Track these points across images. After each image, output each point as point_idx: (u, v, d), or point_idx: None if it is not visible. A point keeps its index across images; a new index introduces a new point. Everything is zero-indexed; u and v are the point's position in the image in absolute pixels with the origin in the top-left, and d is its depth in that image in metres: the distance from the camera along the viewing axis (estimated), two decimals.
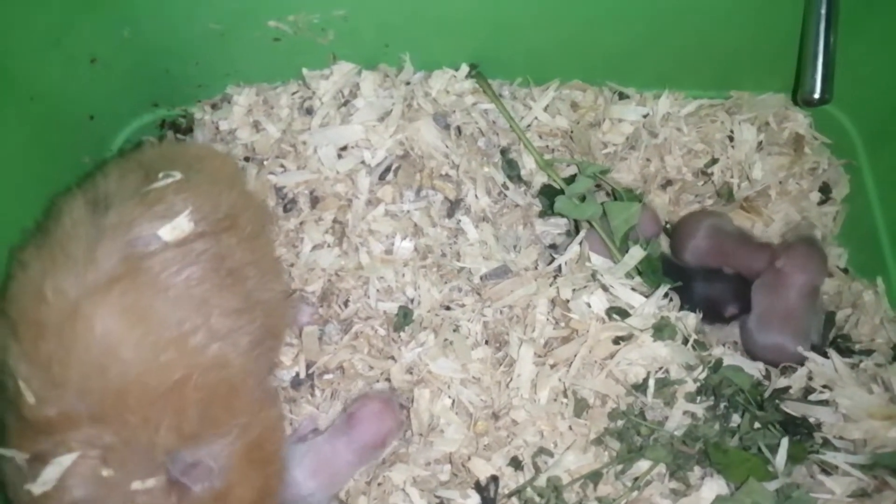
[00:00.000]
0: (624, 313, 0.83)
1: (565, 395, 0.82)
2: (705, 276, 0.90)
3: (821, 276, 0.92)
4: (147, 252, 0.64)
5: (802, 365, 0.86)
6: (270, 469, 0.67)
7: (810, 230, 0.98)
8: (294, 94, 0.94)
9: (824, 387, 0.84)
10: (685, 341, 0.83)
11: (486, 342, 0.86)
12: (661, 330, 0.82)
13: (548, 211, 0.94)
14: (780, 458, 0.76)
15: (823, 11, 0.83)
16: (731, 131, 0.99)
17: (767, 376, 0.87)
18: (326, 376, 0.85)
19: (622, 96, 1.01)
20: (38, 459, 0.58)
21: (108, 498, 0.57)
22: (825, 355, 0.86)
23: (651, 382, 0.79)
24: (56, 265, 0.63)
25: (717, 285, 0.89)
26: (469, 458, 0.79)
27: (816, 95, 0.83)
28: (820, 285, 0.92)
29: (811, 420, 0.82)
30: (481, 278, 0.88)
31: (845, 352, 0.89)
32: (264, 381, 0.74)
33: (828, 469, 0.79)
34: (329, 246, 0.90)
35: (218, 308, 0.66)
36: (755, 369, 0.86)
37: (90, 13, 0.82)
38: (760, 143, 0.99)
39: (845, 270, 0.99)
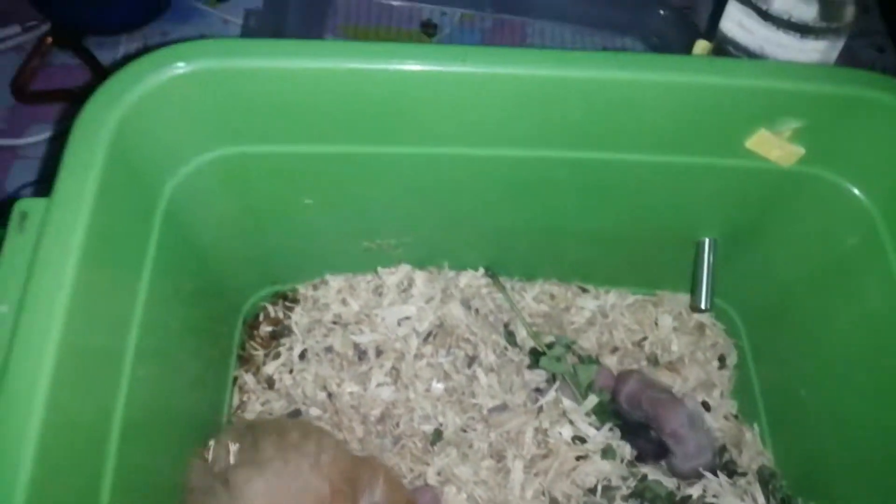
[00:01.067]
0: (583, 440, 1.18)
1: (543, 494, 1.15)
2: (636, 430, 1.16)
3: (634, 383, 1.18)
4: None
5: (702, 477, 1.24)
6: None
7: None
8: (370, 282, 1.22)
9: (714, 496, 1.20)
10: (622, 460, 1.21)
11: (491, 456, 1.18)
12: (607, 452, 1.20)
13: (534, 366, 1.25)
14: None
15: (706, 248, 1.25)
16: (656, 318, 1.38)
17: (678, 487, 1.25)
18: None
19: (584, 290, 1.29)
20: None
21: None
22: (716, 475, 1.22)
23: (599, 488, 1.15)
24: None
25: (640, 441, 1.16)
26: None
27: (702, 307, 1.26)
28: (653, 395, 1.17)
29: None
30: (488, 411, 1.12)
31: (731, 474, 1.23)
32: None
33: None
34: (387, 384, 1.13)
35: None
36: (671, 482, 1.25)
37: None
38: (675, 327, 1.38)
39: (736, 416, 1.32)
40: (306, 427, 1.07)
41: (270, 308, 1.34)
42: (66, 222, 0.61)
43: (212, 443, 0.95)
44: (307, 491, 0.84)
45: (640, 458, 1.12)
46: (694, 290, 1.23)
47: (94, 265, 0.63)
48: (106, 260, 0.67)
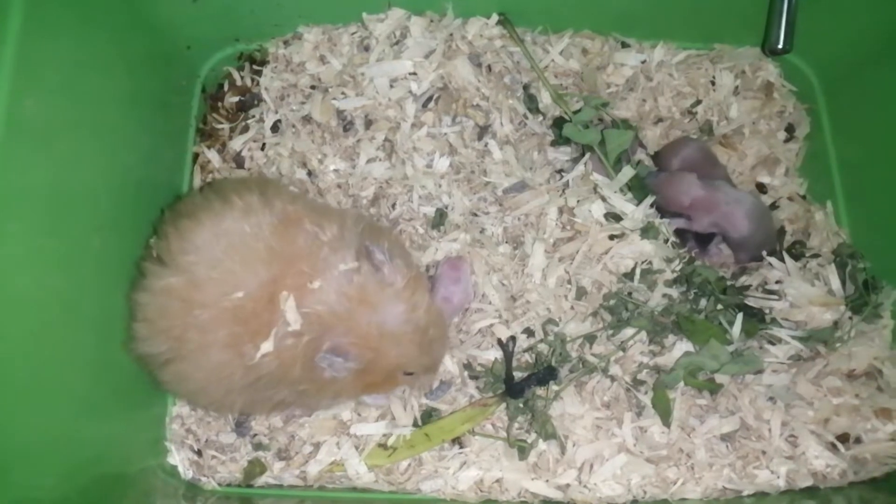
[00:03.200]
0: (618, 217, 0.99)
1: (569, 283, 0.99)
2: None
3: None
4: None
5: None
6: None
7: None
8: (354, 34, 1.08)
9: (777, 282, 1.01)
10: (665, 240, 1.00)
11: (507, 241, 1.02)
12: (648, 231, 0.99)
13: (559, 140, 1.07)
14: (736, 328, 0.94)
15: None
16: (713, 77, 1.14)
17: (732, 276, 1.04)
18: None
19: (624, 45, 1.15)
20: None
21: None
22: (781, 259, 1.03)
23: (637, 271, 0.97)
24: None
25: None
26: (492, 326, 0.98)
27: (780, 46, 1.00)
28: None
29: (764, 308, 0.99)
30: (503, 191, 1.04)
31: (798, 257, 1.06)
32: None
33: (773, 341, 0.96)
34: (380, 160, 1.04)
35: None
36: (723, 271, 1.05)
37: None
38: (737, 88, 1.13)
39: (804, 197, 1.14)
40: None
41: (235, 74, 1.13)
42: None
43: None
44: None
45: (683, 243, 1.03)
46: (770, 27, 0.97)
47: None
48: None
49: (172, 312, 0.79)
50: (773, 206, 1.13)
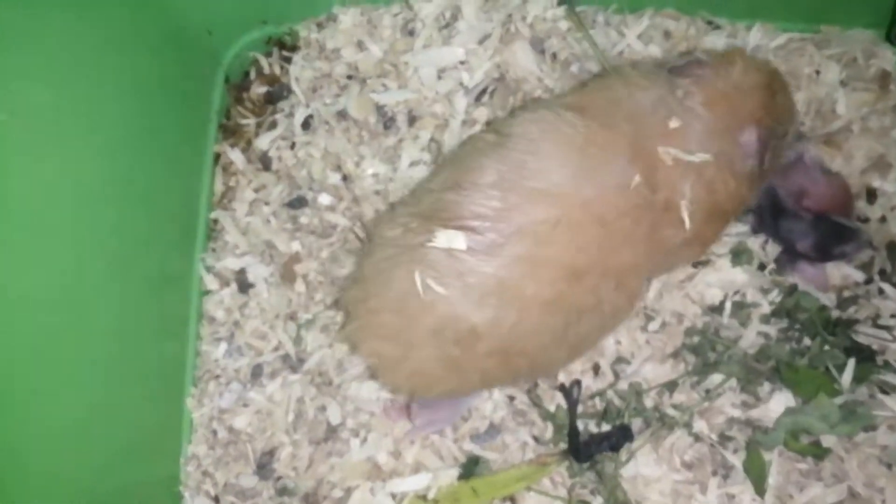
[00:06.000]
0: None
1: (645, 312, 0.86)
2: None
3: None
4: None
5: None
6: None
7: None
8: (397, 15, 0.95)
9: (892, 316, 0.86)
10: (762, 266, 0.87)
11: None
12: (739, 255, 0.86)
13: None
14: (847, 376, 0.80)
15: None
16: (819, 65, 0.98)
17: (838, 306, 0.89)
18: None
19: (713, 26, 1.00)
20: None
21: None
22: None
23: (727, 305, 0.84)
24: None
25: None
26: None
27: None
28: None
29: (874, 347, 0.85)
30: None
31: None
32: None
33: (887, 390, 0.82)
34: (425, 163, 0.92)
35: None
36: (825, 297, 0.89)
37: None
38: (846, 79, 0.98)
39: None
40: None
41: (263, 61, 1.01)
42: None
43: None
44: None
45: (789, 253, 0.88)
46: None
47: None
48: None
49: None
50: (883, 220, 0.97)
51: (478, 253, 0.67)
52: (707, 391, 0.82)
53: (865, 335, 0.86)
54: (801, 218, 0.90)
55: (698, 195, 0.72)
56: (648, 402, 0.81)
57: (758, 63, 0.81)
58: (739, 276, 0.84)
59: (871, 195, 0.98)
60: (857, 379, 0.82)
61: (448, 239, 0.66)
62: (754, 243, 0.87)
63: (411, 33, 0.95)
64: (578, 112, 0.72)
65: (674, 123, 0.72)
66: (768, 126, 0.76)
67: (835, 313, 0.88)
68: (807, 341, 0.85)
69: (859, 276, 0.91)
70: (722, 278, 0.84)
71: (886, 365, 0.84)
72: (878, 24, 0.98)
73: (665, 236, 0.73)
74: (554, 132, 0.70)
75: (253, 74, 1.01)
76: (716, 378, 0.82)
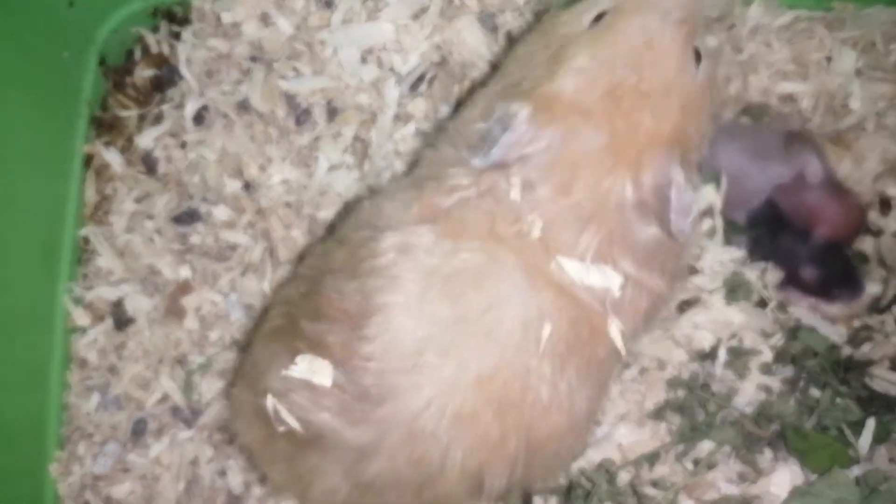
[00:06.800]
0: (691, 270, 0.73)
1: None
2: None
3: None
4: None
5: None
6: None
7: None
8: None
9: None
10: (762, 303, 0.73)
11: None
12: (735, 290, 0.72)
13: None
14: (865, 440, 0.68)
15: None
16: (831, 50, 0.85)
17: (849, 341, 0.77)
18: None
19: None
20: None
21: None
22: None
23: (721, 352, 0.71)
24: None
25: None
26: None
27: None
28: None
29: (894, 393, 0.73)
30: None
31: None
32: None
33: None
34: (348, 167, 0.82)
35: None
36: (833, 331, 0.77)
37: None
38: (862, 67, 0.86)
39: None
40: None
41: (150, 37, 0.86)
42: None
43: None
44: None
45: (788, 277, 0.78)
46: None
47: None
48: None
49: None
50: None
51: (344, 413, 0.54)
52: (696, 462, 0.69)
53: (883, 380, 0.74)
54: (806, 239, 0.79)
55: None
56: (623, 476, 0.67)
57: None
58: (736, 315, 0.72)
59: (885, 205, 0.89)
60: (877, 439, 0.70)
61: (311, 368, 0.54)
62: (752, 273, 0.73)
63: (328, 4, 0.82)
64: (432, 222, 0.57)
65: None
66: None
67: (846, 351, 0.77)
68: (815, 391, 0.72)
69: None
70: (714, 319, 0.72)
71: None
72: None
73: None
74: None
75: (138, 55, 0.85)
76: (706, 445, 0.69)
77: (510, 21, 0.81)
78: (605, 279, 0.53)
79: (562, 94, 0.53)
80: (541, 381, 0.54)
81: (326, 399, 0.55)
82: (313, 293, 0.60)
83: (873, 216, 0.87)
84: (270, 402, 0.56)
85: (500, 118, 0.53)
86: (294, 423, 0.56)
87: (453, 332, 0.53)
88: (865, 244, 0.86)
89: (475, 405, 0.53)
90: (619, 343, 0.55)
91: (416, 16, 0.80)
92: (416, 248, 0.54)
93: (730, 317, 0.72)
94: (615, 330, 0.55)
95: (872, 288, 0.83)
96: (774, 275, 0.77)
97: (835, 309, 0.83)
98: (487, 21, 0.81)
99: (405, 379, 0.53)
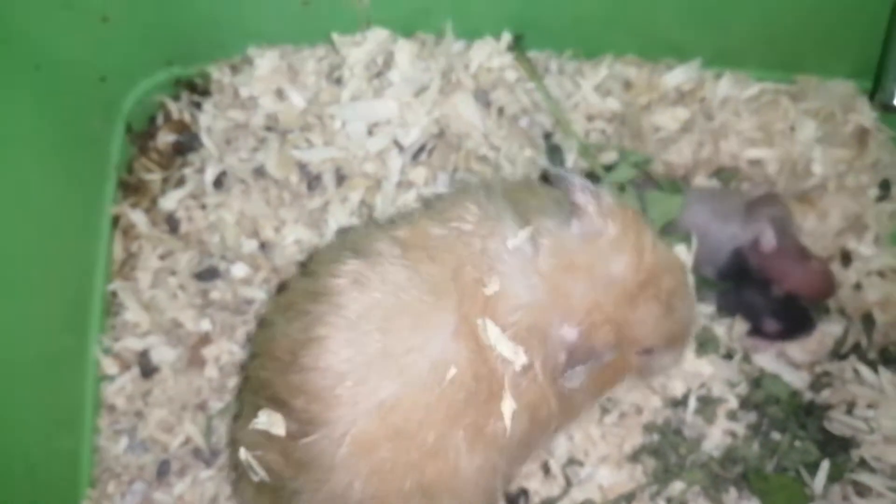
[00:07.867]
0: None
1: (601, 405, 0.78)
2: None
3: None
4: None
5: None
6: None
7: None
8: (322, 59, 0.85)
9: (869, 406, 0.80)
10: (728, 355, 0.79)
11: None
12: (705, 345, 0.78)
13: None
14: (820, 480, 0.74)
15: None
16: (794, 121, 0.90)
17: (811, 386, 0.83)
18: None
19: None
20: None
21: None
22: (874, 369, 0.82)
23: (691, 401, 0.77)
24: None
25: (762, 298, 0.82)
26: None
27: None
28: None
29: (848, 435, 0.79)
30: None
31: (890, 361, 0.84)
32: None
33: (862, 491, 0.76)
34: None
35: None
36: (797, 377, 0.83)
37: None
38: (823, 135, 0.90)
39: None
40: None
41: (171, 105, 0.90)
42: None
43: None
44: None
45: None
46: (884, 74, 0.73)
47: None
48: None
49: None
50: (858, 286, 0.91)
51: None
52: (668, 501, 0.75)
53: (839, 423, 0.80)
54: (768, 293, 0.83)
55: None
56: None
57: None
58: (705, 367, 0.77)
59: (846, 258, 0.93)
60: (832, 478, 0.76)
61: (270, 421, 0.59)
62: (720, 328, 0.79)
63: (338, 82, 0.85)
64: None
65: (489, 288, 0.58)
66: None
67: (808, 396, 0.83)
68: (776, 435, 0.78)
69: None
70: (686, 371, 0.77)
71: (862, 463, 0.77)
72: (858, 75, 0.92)
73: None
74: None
75: (160, 121, 0.90)
76: (678, 486, 0.75)
77: (502, 97, 0.85)
78: (512, 353, 0.56)
79: None
80: (435, 420, 0.56)
81: (279, 443, 0.59)
82: (269, 339, 0.63)
83: (835, 268, 0.90)
84: (243, 454, 0.61)
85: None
86: (262, 473, 0.60)
87: (375, 365, 0.56)
88: None
89: (374, 432, 0.55)
90: (508, 419, 0.57)
91: (418, 94, 0.83)
92: (370, 280, 0.58)
93: (700, 368, 0.77)
94: (507, 405, 0.57)
95: (832, 334, 0.88)
96: (741, 327, 0.82)
97: (798, 355, 0.89)
98: (481, 97, 0.85)
99: (324, 408, 0.56)
